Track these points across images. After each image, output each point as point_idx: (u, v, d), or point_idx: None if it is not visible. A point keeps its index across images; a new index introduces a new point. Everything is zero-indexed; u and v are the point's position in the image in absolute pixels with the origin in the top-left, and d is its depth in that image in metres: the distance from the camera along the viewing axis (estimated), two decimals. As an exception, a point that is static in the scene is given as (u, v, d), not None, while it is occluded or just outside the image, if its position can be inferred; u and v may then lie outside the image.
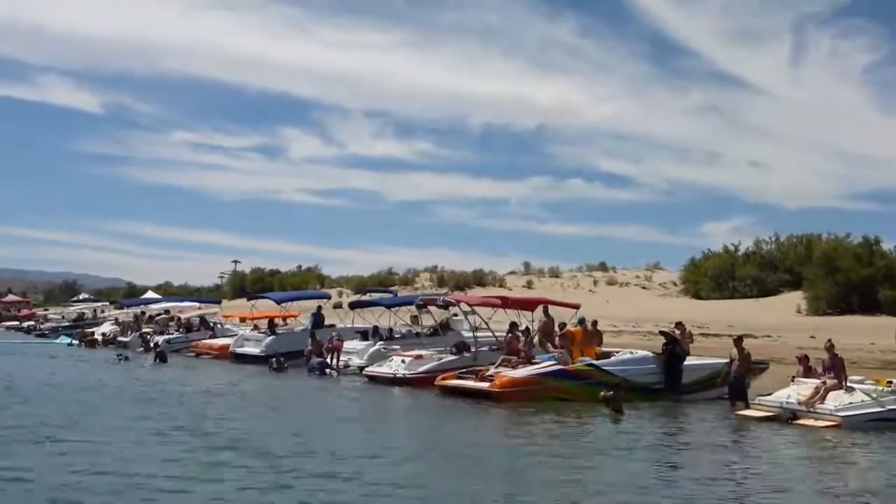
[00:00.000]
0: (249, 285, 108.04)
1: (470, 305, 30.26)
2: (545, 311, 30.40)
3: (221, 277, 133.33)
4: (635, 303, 73.15)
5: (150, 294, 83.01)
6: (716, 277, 76.48)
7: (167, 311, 51.66)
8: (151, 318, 51.62)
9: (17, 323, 72.54)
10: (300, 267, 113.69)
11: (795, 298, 65.82)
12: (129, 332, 48.53)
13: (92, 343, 48.17)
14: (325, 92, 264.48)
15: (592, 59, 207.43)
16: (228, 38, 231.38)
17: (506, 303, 31.10)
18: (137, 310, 57.21)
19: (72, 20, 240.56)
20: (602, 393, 22.90)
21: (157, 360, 36.89)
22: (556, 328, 28.28)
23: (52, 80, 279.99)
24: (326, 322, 40.17)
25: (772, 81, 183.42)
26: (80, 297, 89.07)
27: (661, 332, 26.77)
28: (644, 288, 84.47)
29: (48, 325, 64.60)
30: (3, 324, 73.50)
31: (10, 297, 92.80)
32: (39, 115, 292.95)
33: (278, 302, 39.22)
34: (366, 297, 43.49)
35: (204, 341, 42.72)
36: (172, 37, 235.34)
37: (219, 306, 53.49)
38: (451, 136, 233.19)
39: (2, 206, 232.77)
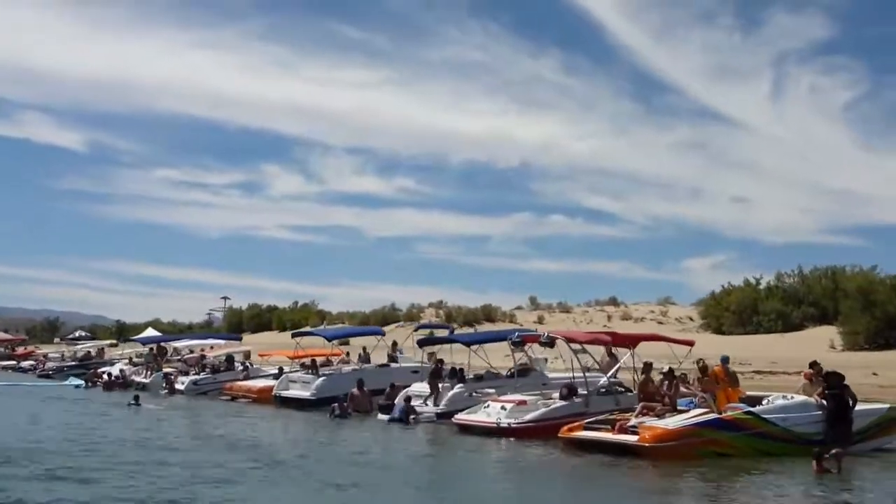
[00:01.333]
0: (246, 322, 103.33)
1: (580, 342, 25.74)
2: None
3: (209, 314, 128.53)
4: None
5: (150, 331, 78.12)
6: (739, 312, 72.49)
7: (190, 350, 47.06)
8: (163, 355, 46.96)
9: (13, 363, 67.19)
10: (296, 303, 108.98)
11: (825, 333, 61.90)
12: (149, 372, 43.70)
13: (109, 386, 43.29)
14: (307, 129, 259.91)
15: (576, 97, 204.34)
16: (211, 75, 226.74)
17: (616, 339, 26.78)
18: (142, 349, 53.09)
19: (55, 58, 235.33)
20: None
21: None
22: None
23: (34, 118, 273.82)
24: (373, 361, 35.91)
25: (754, 118, 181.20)
26: (77, 334, 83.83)
27: (828, 374, 22.32)
28: (660, 323, 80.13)
29: (51, 364, 59.43)
30: (-2, 364, 68.11)
31: (1, 335, 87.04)
32: (21, 152, 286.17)
33: (329, 339, 34.61)
34: (437, 333, 39.05)
35: (238, 383, 38.03)
36: (155, 75, 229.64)
37: (240, 343, 48.75)
38: (434, 172, 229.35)
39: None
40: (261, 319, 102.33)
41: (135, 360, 48.68)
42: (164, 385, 40.63)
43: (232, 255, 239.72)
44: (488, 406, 24.95)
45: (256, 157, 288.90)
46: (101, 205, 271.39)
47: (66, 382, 47.04)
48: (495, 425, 23.84)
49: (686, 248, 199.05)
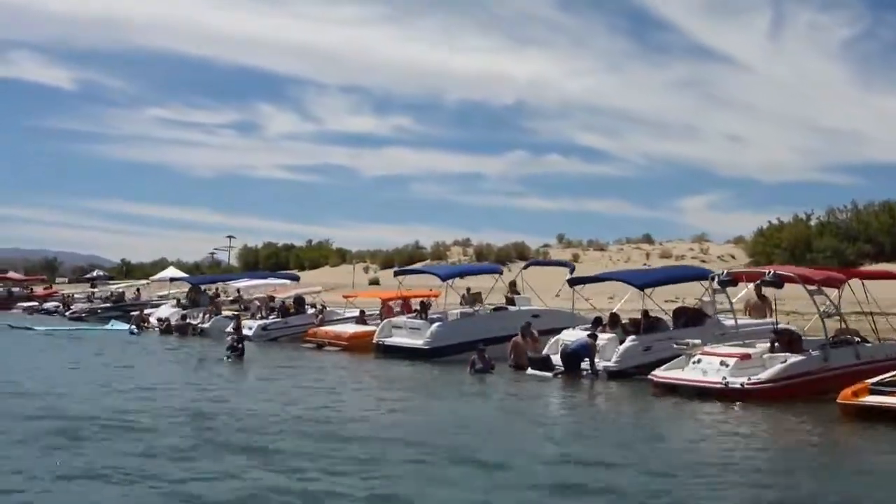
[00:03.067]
0: (262, 261, 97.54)
1: (815, 282, 20.33)
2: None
3: (213, 254, 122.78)
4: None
5: (172, 271, 72.40)
6: (791, 249, 67.58)
7: (238, 291, 41.65)
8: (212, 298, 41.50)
9: (35, 304, 61.28)
10: (310, 241, 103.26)
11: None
12: (207, 316, 38.17)
13: (168, 330, 37.87)
14: (301, 67, 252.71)
15: (570, 34, 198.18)
16: (203, 12, 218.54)
17: (850, 276, 21.53)
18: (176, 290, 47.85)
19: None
20: None
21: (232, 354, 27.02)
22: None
23: (22, 56, 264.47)
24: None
25: (750, 55, 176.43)
26: (95, 273, 77.55)
27: None
28: (703, 261, 74.90)
29: (81, 306, 53.57)
30: (17, 305, 62.08)
31: (13, 275, 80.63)
32: (10, 91, 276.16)
33: (444, 278, 29.11)
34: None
35: (323, 328, 32.60)
36: (145, 12, 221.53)
37: (298, 283, 43.22)
38: (429, 111, 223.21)
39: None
40: (278, 259, 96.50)
41: (183, 301, 42.99)
42: (231, 330, 35.06)
43: (226, 195, 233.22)
44: (699, 361, 19.64)
45: (250, 96, 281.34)
46: (92, 144, 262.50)
47: (110, 326, 41.40)
48: (722, 385, 18.57)
49: (681, 187, 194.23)
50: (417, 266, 41.95)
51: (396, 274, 30.72)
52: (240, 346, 26.92)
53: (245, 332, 34.72)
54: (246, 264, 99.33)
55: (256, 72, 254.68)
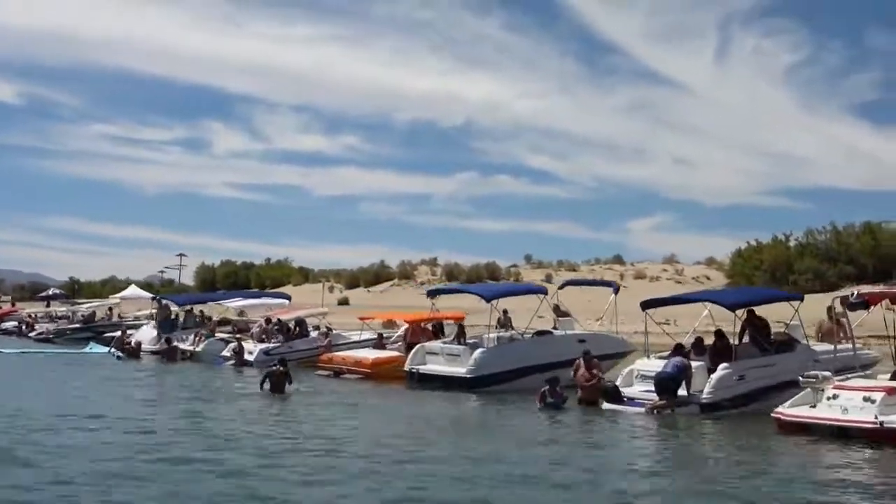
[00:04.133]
0: (221, 280, 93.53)
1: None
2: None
3: (162, 273, 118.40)
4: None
5: (134, 290, 68.17)
6: (771, 271, 65.68)
7: (241, 313, 37.96)
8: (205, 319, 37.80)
9: (-8, 323, 56.81)
10: (269, 260, 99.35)
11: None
12: (198, 340, 34.55)
13: (160, 354, 34.18)
14: (251, 85, 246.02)
15: (521, 56, 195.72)
16: (154, 30, 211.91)
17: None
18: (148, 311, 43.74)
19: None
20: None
21: (267, 385, 22.58)
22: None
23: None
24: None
25: (698, 80, 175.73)
26: (50, 292, 72.92)
27: None
28: (678, 282, 72.89)
29: (46, 326, 49.28)
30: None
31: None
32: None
33: (488, 299, 25.79)
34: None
35: (340, 354, 29.23)
36: (94, 27, 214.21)
37: (289, 303, 39.67)
38: (379, 131, 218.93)
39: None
40: (237, 277, 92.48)
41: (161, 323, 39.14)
42: (233, 355, 31.63)
43: (174, 213, 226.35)
44: (835, 396, 16.73)
45: (199, 114, 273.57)
46: (37, 159, 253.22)
47: (88, 349, 37.48)
48: (875, 425, 15.65)
49: (629, 209, 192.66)
50: (453, 285, 38.93)
51: (430, 294, 27.32)
52: (278, 370, 22.94)
53: (245, 356, 31.60)
54: (203, 282, 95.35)
55: (206, 89, 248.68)
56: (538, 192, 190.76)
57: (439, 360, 25.57)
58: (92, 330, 44.61)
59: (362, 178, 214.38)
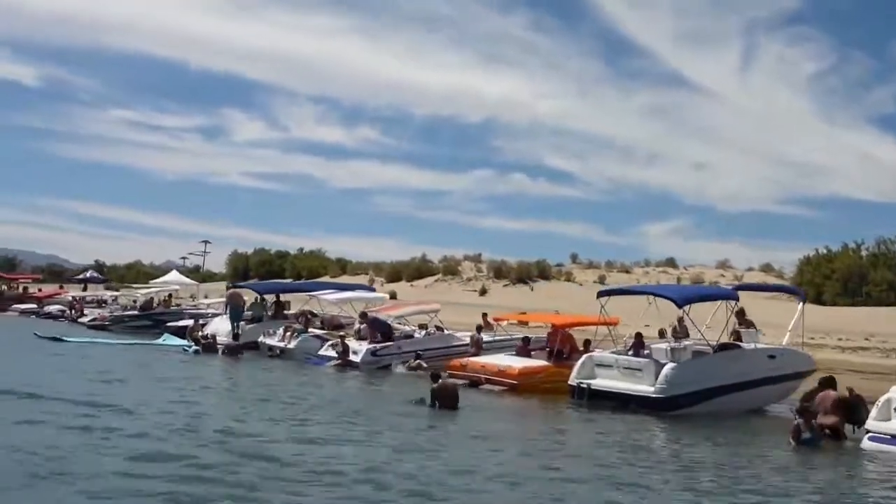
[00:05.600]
0: (254, 269, 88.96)
1: None
2: None
3: (184, 259, 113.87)
4: (765, 309, 56.74)
5: (175, 275, 63.63)
6: (844, 280, 61.23)
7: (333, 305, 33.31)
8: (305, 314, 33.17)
9: (32, 306, 52.07)
10: (301, 249, 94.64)
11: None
12: (290, 335, 29.97)
13: (234, 351, 29.63)
14: (271, 74, 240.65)
15: (543, 55, 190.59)
16: (175, 15, 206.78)
17: None
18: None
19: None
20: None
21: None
22: None
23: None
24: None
25: (720, 85, 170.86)
26: (88, 275, 68.22)
27: None
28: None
29: (100, 312, 44.57)
30: (12, 307, 52.63)
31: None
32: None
33: (681, 303, 21.19)
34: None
35: (478, 360, 24.59)
36: (116, 11, 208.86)
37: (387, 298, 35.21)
38: (396, 125, 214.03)
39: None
40: (271, 266, 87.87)
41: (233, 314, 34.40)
42: (338, 354, 27.14)
43: (190, 200, 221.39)
44: None
45: (218, 102, 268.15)
46: (55, 142, 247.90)
47: (163, 341, 32.89)
48: None
49: (644, 213, 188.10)
50: (632, 286, 34.15)
51: (601, 295, 22.79)
52: (450, 384, 18.37)
53: (352, 357, 27.14)
54: (235, 271, 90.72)
55: (226, 77, 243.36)
56: (554, 193, 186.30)
57: (614, 375, 21.09)
58: (151, 318, 40.02)
59: (378, 171, 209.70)
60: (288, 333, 29.96)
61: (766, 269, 74.52)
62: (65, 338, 31.95)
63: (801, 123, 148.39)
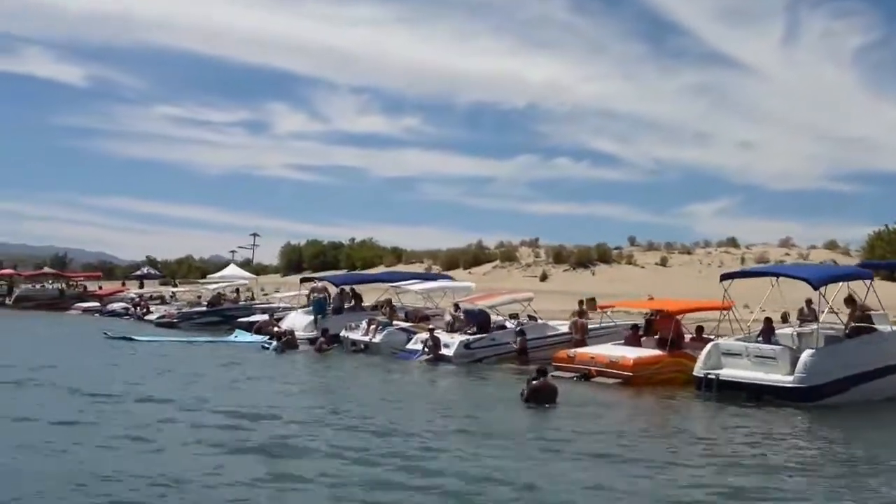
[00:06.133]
0: (308, 260, 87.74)
1: None
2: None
3: (233, 253, 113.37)
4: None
5: (233, 269, 62.56)
6: (920, 255, 58.82)
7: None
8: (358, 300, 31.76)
9: (95, 304, 51.12)
10: (353, 240, 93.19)
11: None
12: (375, 329, 28.47)
13: (292, 343, 28.29)
14: (312, 67, 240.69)
15: (585, 38, 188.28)
16: (216, 10, 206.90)
17: None
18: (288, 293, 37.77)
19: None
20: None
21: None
22: None
23: (34, 53, 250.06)
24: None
25: (764, 62, 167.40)
26: (144, 271, 67.41)
27: None
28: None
29: (168, 309, 43.46)
30: (75, 306, 51.75)
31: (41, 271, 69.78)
32: (21, 87, 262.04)
33: (816, 284, 19.05)
34: None
35: (585, 351, 22.86)
36: (158, 9, 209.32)
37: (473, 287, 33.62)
38: (440, 112, 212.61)
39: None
40: (325, 257, 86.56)
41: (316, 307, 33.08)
42: (428, 348, 25.62)
43: (235, 194, 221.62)
44: None
45: (261, 95, 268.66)
46: (101, 141, 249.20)
47: (234, 338, 31.69)
48: None
49: (690, 193, 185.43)
50: (757, 267, 32.10)
51: (724, 278, 20.97)
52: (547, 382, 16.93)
53: (444, 350, 25.62)
54: (289, 262, 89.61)
55: (267, 70, 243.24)
56: (598, 175, 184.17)
57: (743, 364, 19.30)
58: (220, 314, 38.81)
59: (421, 159, 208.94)
60: (372, 327, 28.46)
61: (831, 246, 72.01)
62: (135, 337, 30.74)
63: (847, 98, 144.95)
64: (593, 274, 68.52)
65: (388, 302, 31.51)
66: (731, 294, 21.42)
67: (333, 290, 33.24)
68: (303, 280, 36.03)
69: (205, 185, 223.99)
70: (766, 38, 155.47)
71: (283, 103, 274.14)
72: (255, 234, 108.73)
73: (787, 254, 70.64)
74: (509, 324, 27.66)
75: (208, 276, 63.33)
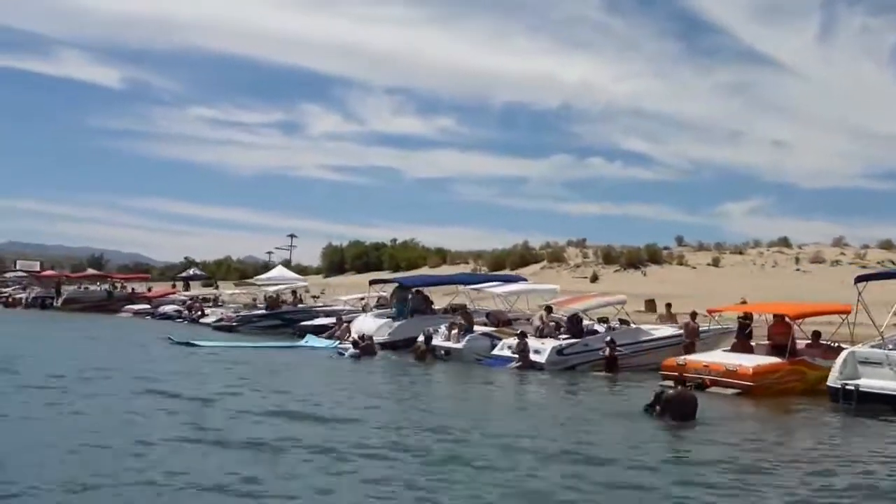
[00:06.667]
0: (350, 261, 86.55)
1: None
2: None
3: (269, 254, 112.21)
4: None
5: (281, 270, 61.10)
6: None
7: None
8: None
9: (146, 307, 49.91)
10: (394, 241, 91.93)
11: None
12: (458, 335, 26.93)
13: (369, 349, 26.71)
14: (346, 67, 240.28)
15: (619, 37, 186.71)
16: (249, 12, 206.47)
17: None
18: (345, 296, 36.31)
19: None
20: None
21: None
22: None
23: (71, 55, 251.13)
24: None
25: (799, 60, 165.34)
26: (191, 272, 66.22)
27: None
28: (863, 267, 63.90)
29: (225, 313, 42.09)
30: (125, 308, 50.60)
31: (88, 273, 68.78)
32: (58, 89, 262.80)
33: None
34: None
35: (699, 358, 21.17)
36: (193, 11, 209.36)
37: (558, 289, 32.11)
38: (474, 113, 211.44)
39: (20, 180, 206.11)
40: (367, 258, 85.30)
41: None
42: (519, 353, 24.07)
43: (269, 195, 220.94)
44: None
45: (295, 96, 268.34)
46: (137, 142, 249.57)
47: (305, 343, 30.31)
48: None
49: (724, 192, 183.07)
50: (890, 270, 30.29)
51: (859, 280, 19.20)
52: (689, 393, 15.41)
53: (534, 357, 24.09)
54: (331, 264, 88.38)
55: (301, 71, 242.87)
56: (632, 175, 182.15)
57: (886, 374, 17.65)
58: (280, 317, 37.41)
59: (456, 160, 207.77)
60: (454, 332, 26.93)
61: (887, 245, 70.01)
62: (202, 343, 29.33)
63: (885, 96, 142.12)
64: (644, 275, 66.86)
65: (463, 306, 30.04)
66: (840, 296, 19.80)
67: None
68: (372, 282, 34.43)
69: (239, 186, 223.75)
70: (802, 36, 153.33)
71: (318, 104, 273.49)
72: (292, 235, 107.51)
73: (843, 253, 68.74)
74: (599, 327, 26.08)
75: (255, 277, 61.92)
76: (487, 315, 28.95)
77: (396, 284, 32.22)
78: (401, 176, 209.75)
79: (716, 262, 67.21)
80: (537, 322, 25.88)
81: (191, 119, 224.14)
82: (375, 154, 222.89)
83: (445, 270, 75.08)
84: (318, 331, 32.39)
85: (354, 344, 27.33)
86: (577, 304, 26.14)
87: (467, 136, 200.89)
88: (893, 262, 65.64)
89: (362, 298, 36.50)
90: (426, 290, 32.92)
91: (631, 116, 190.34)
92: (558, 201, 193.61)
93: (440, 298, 33.66)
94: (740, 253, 70.71)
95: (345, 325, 30.48)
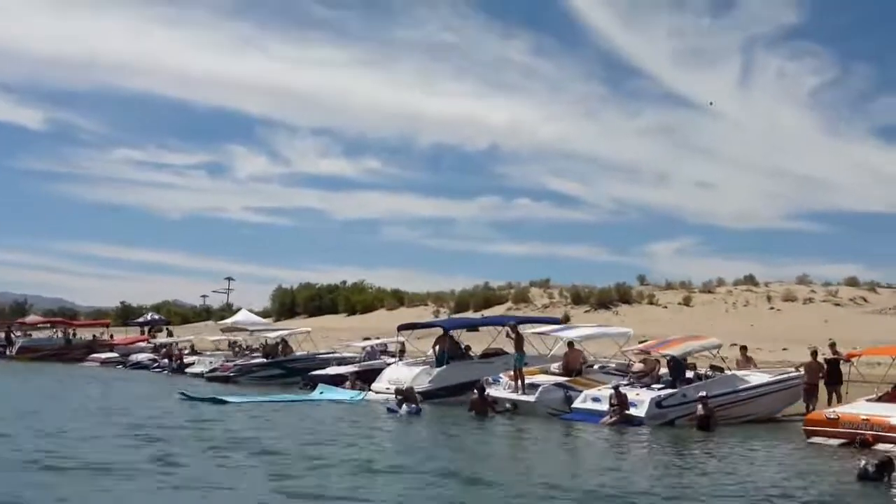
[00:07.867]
0: (303, 304, 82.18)
1: None
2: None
3: (204, 298, 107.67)
4: (888, 327, 50.50)
5: (245, 315, 56.89)
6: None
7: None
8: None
9: (114, 355, 45.13)
10: (344, 283, 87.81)
11: None
12: (524, 385, 23.49)
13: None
14: (272, 109, 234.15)
15: (546, 79, 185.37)
16: (175, 53, 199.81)
17: None
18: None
19: (13, 34, 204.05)
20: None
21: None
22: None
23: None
24: None
25: (721, 102, 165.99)
26: (149, 317, 61.34)
27: None
28: (836, 304, 62.44)
29: (222, 362, 37.46)
30: (90, 357, 45.77)
31: (31, 318, 63.21)
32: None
33: None
34: None
35: (853, 412, 18.13)
36: (118, 52, 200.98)
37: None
38: (401, 154, 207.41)
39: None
40: (321, 301, 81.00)
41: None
42: (612, 410, 20.77)
43: (198, 238, 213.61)
44: None
45: (221, 138, 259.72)
46: (60, 184, 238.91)
47: (318, 395, 26.57)
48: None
49: (650, 233, 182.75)
50: None
51: None
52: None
53: (633, 411, 20.87)
54: (281, 306, 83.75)
55: (227, 112, 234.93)
56: (559, 216, 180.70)
57: None
58: (282, 366, 33.47)
59: (384, 201, 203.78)
60: (517, 383, 23.50)
61: (853, 283, 68.75)
62: (228, 399, 25.24)
63: (804, 138, 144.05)
64: (616, 314, 64.35)
65: (501, 351, 26.72)
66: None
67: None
68: (401, 328, 30.64)
69: (168, 229, 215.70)
70: (723, 80, 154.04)
71: (244, 145, 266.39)
72: (229, 279, 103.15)
73: (814, 291, 67.18)
74: (689, 374, 22.94)
75: (217, 322, 57.58)
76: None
77: (440, 330, 28.58)
78: (328, 217, 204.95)
79: (686, 302, 65.00)
80: (636, 368, 22.57)
81: (116, 161, 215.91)
82: (302, 196, 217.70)
83: (404, 313, 71.75)
84: (335, 381, 28.67)
85: (399, 397, 23.57)
86: (672, 347, 22.92)
87: (395, 177, 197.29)
88: (865, 299, 64.42)
89: (392, 344, 32.84)
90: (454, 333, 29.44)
91: (558, 158, 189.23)
92: (486, 242, 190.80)
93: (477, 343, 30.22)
94: (709, 292, 68.58)
95: (355, 374, 26.81)
